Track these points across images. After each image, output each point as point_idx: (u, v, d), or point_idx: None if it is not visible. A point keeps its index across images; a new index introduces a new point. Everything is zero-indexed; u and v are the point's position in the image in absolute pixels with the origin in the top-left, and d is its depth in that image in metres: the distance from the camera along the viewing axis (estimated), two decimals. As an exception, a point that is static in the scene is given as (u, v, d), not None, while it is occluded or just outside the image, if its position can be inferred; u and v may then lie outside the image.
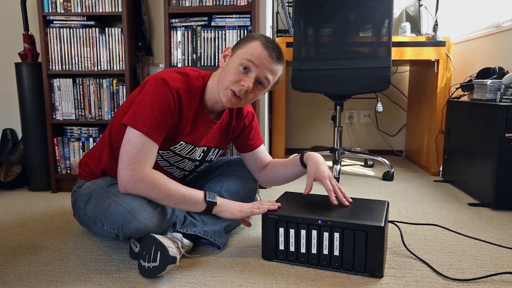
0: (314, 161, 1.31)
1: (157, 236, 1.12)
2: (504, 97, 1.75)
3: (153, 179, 1.13)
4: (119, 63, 1.97)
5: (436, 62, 2.32)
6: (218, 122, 1.34)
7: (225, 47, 1.78)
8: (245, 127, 1.43)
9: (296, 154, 1.48)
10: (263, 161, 1.45)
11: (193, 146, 1.31)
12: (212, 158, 1.42)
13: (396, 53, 2.27)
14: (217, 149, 1.41)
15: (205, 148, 1.36)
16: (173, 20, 1.91)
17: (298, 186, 2.13)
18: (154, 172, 1.15)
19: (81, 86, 1.98)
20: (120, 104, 1.84)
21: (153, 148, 1.16)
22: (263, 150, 1.47)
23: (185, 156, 1.33)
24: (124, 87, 1.98)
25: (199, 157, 1.37)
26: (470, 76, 2.15)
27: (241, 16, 1.87)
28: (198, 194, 1.19)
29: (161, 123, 1.16)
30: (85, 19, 1.95)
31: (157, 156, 1.30)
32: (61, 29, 1.95)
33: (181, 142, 1.27)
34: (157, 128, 1.15)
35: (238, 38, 1.88)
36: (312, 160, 1.31)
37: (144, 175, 1.13)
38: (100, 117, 2.00)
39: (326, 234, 1.13)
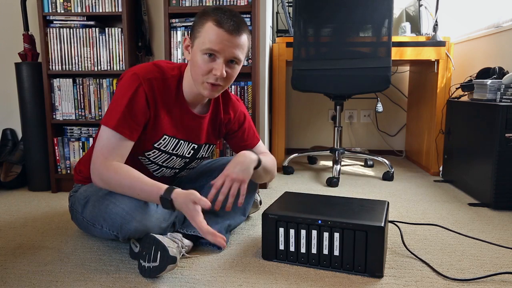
0: (234, 160, 1.20)
1: (157, 236, 1.12)
2: (504, 97, 1.75)
3: (117, 175, 1.12)
4: (119, 63, 1.97)
5: (436, 62, 2.32)
6: (206, 116, 1.32)
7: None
8: (237, 129, 1.40)
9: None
10: None
11: (177, 140, 1.29)
12: (203, 154, 1.40)
13: (396, 53, 2.27)
14: (208, 145, 1.39)
15: (196, 146, 1.35)
16: (173, 20, 1.91)
17: (298, 186, 2.13)
18: (118, 166, 1.13)
19: (81, 86, 1.98)
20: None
21: (123, 143, 1.15)
22: (259, 149, 1.43)
23: (172, 153, 1.31)
24: (124, 87, 1.98)
25: (188, 154, 1.35)
26: (470, 76, 2.15)
27: (241, 16, 1.87)
28: (155, 194, 1.10)
29: (130, 119, 1.15)
30: (85, 19, 1.95)
31: (144, 159, 1.29)
32: (61, 29, 1.95)
33: (164, 136, 1.25)
34: (125, 123, 1.14)
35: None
36: (233, 160, 1.21)
37: (108, 167, 1.12)
38: (100, 117, 2.00)
39: (326, 234, 1.13)
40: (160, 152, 1.29)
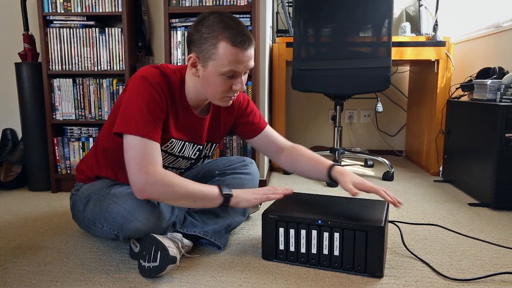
0: (346, 177, 1.23)
1: (157, 236, 1.12)
2: (504, 97, 1.75)
3: (170, 178, 1.11)
4: (119, 63, 1.97)
5: (436, 62, 2.32)
6: (208, 117, 1.32)
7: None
8: (243, 115, 1.39)
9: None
10: (277, 143, 1.40)
11: (183, 142, 1.29)
12: (206, 153, 1.41)
13: (396, 53, 2.27)
14: (210, 143, 1.39)
15: (200, 147, 1.35)
16: (173, 20, 1.91)
17: (298, 186, 2.13)
18: (167, 172, 1.12)
19: (81, 86, 1.98)
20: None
21: (156, 147, 1.13)
22: (271, 131, 1.42)
23: (178, 155, 1.31)
24: (124, 87, 1.98)
25: (194, 156, 1.36)
26: (470, 76, 2.15)
27: (241, 16, 1.87)
28: (214, 189, 1.17)
29: (154, 120, 1.13)
30: (85, 19, 1.95)
31: None
32: (61, 29, 1.95)
33: (172, 139, 1.25)
34: (152, 127, 1.12)
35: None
36: (343, 177, 1.24)
37: (160, 176, 1.09)
38: (100, 117, 2.00)
39: (326, 234, 1.13)
40: (167, 155, 1.29)
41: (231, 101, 1.22)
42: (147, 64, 2.17)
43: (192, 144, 1.32)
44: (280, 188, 1.25)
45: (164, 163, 1.31)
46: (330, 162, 1.31)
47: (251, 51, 1.13)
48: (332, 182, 1.28)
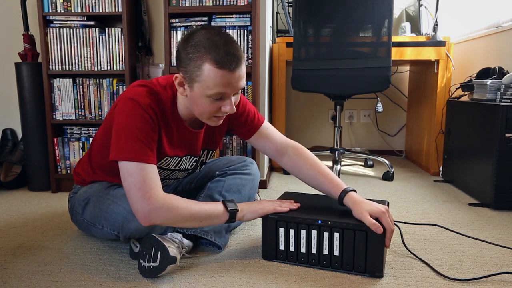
0: (361, 206, 1.12)
1: (157, 236, 1.12)
2: (504, 97, 1.75)
3: (173, 202, 1.08)
4: (119, 63, 1.97)
5: (436, 62, 2.32)
6: (202, 130, 1.29)
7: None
8: (235, 116, 1.33)
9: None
10: (275, 142, 1.32)
11: (179, 158, 1.27)
12: (203, 160, 1.39)
13: (396, 53, 2.27)
14: (206, 151, 1.37)
15: (197, 158, 1.34)
16: (173, 20, 1.91)
17: (298, 186, 2.13)
18: (169, 195, 1.10)
19: (81, 86, 1.98)
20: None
21: (154, 170, 1.09)
22: (268, 130, 1.34)
23: (174, 169, 1.30)
24: (124, 87, 1.98)
25: (191, 167, 1.35)
26: (470, 76, 2.15)
27: (241, 16, 1.87)
28: (218, 206, 1.15)
29: (148, 143, 1.09)
30: (85, 19, 1.95)
31: None
32: (61, 29, 1.95)
33: (166, 157, 1.23)
34: (147, 149, 1.09)
35: (238, 38, 1.88)
36: (357, 205, 1.13)
37: (163, 201, 1.06)
38: (100, 117, 2.00)
39: (326, 234, 1.13)
40: (162, 170, 1.27)
41: (221, 121, 1.17)
42: (146, 64, 2.17)
43: (188, 157, 1.31)
44: (287, 201, 1.23)
45: (161, 176, 1.28)
46: (342, 185, 1.20)
47: (240, 72, 1.06)
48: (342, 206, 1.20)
